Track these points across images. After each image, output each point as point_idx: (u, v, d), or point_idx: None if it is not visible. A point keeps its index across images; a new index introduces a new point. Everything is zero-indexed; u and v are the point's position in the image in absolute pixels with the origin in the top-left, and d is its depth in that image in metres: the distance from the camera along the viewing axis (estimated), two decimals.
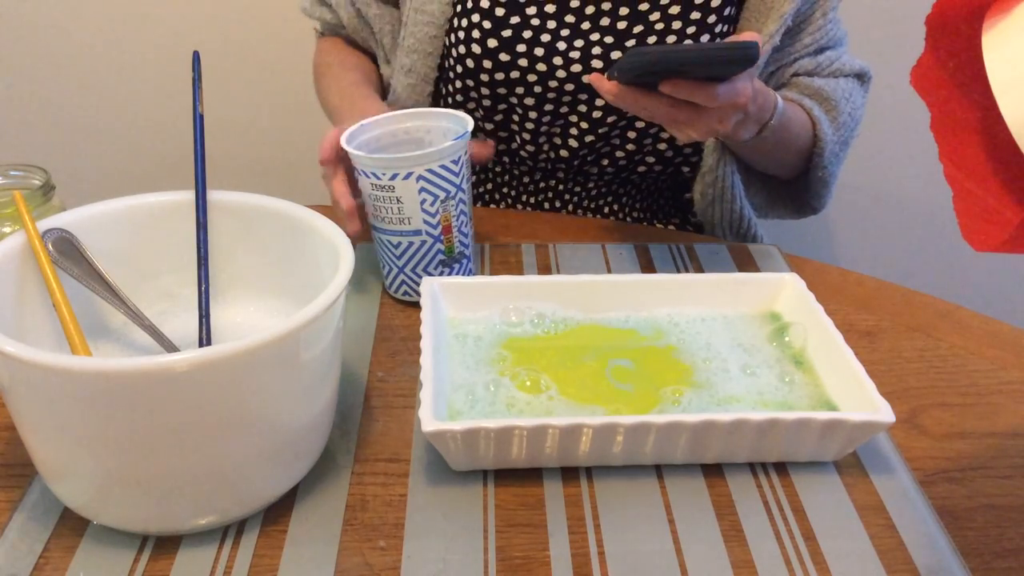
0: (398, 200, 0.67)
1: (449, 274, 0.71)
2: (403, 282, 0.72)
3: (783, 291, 0.68)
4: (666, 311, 0.67)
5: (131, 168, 1.51)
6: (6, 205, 0.65)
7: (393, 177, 0.67)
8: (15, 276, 0.53)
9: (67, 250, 0.55)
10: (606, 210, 0.95)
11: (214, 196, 0.59)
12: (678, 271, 0.79)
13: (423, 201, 0.68)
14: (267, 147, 1.50)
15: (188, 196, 0.58)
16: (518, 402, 0.58)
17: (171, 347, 0.56)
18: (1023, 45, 0.38)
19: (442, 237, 0.70)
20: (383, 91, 0.99)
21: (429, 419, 0.51)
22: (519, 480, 0.55)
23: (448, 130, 0.74)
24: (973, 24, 0.40)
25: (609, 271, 0.79)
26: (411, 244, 0.69)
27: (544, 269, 0.79)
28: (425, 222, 0.69)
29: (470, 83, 0.88)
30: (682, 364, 0.63)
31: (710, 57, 0.64)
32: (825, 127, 0.86)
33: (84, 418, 0.45)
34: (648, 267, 0.79)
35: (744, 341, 0.65)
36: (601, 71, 0.84)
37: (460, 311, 0.66)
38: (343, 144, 0.69)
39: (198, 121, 0.58)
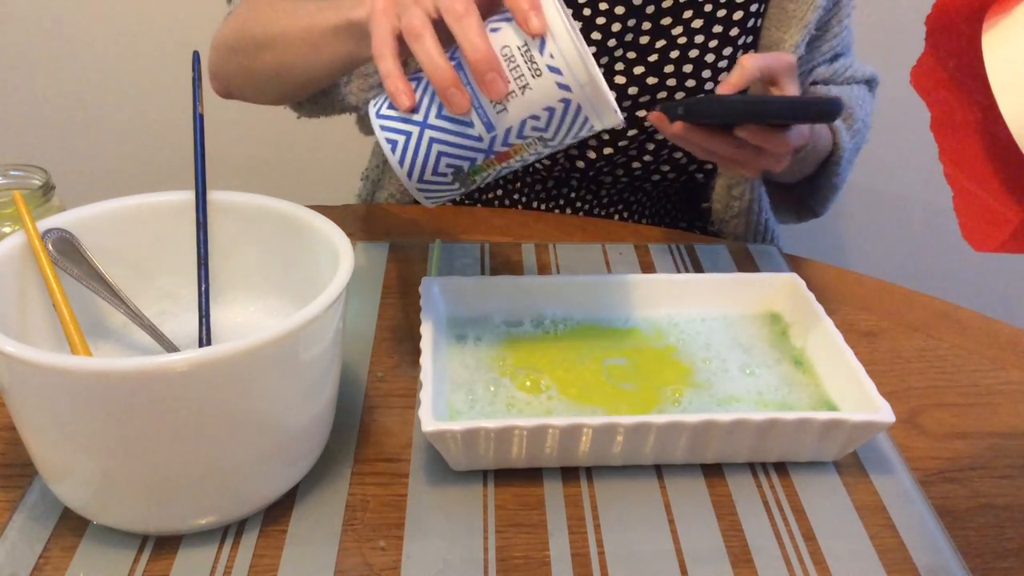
0: (536, 73, 0.52)
1: (439, 193, 0.56)
2: (414, 151, 0.55)
3: (783, 291, 0.68)
4: (666, 311, 0.67)
5: (131, 168, 1.51)
6: (6, 205, 0.65)
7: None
8: (15, 276, 0.53)
9: (67, 250, 0.55)
10: (616, 217, 0.95)
11: (214, 196, 0.59)
12: (678, 271, 0.79)
13: (549, 109, 0.53)
14: (267, 147, 1.50)
15: (188, 196, 0.58)
16: (518, 402, 0.58)
17: (171, 347, 0.56)
18: (1023, 45, 0.38)
19: (492, 155, 0.55)
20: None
21: (429, 419, 0.51)
22: (519, 480, 0.55)
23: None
24: (973, 24, 0.40)
25: (609, 271, 0.79)
26: (464, 129, 0.53)
27: (544, 269, 0.79)
28: (507, 128, 0.53)
29: None
30: (682, 364, 0.63)
31: (795, 112, 0.63)
32: (844, 136, 0.87)
33: (84, 418, 0.45)
34: (648, 267, 0.79)
35: (744, 341, 0.65)
36: (624, 86, 0.84)
37: (460, 311, 0.66)
38: None
39: (198, 121, 0.58)
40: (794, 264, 0.81)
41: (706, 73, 0.84)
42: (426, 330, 0.59)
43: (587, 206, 0.94)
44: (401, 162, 0.54)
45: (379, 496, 0.54)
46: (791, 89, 0.68)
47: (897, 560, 0.51)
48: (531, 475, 0.55)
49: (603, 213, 0.95)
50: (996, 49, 0.39)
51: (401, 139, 0.54)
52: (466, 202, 0.97)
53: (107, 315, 0.58)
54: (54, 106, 1.46)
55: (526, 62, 0.52)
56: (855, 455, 0.58)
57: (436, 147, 0.54)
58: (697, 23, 0.83)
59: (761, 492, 0.55)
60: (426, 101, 0.54)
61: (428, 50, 0.52)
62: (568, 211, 0.94)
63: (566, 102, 0.53)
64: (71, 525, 0.51)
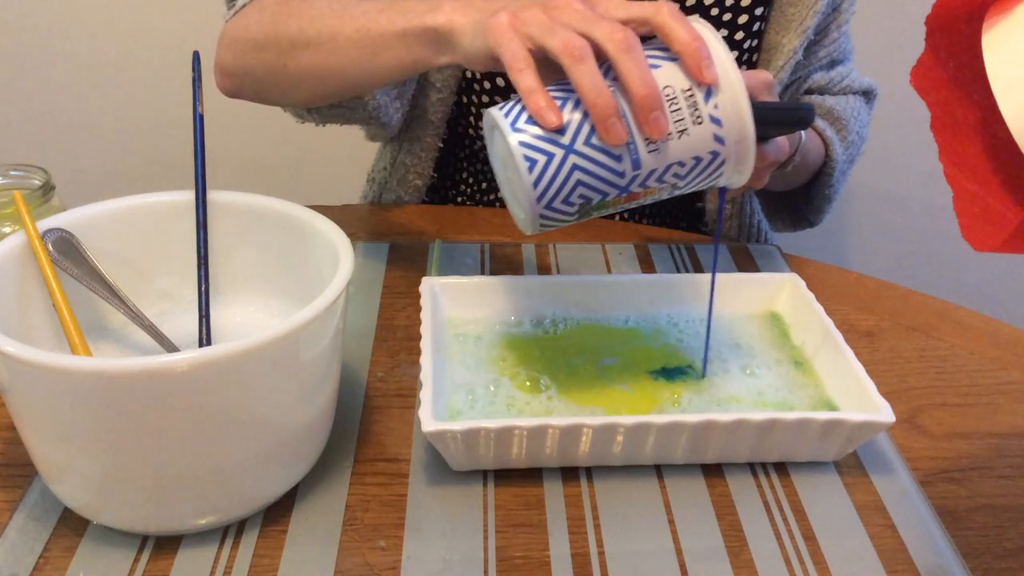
0: (697, 120, 0.51)
1: (553, 222, 0.54)
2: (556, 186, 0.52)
3: (783, 291, 0.68)
4: (666, 311, 0.67)
5: (131, 168, 1.51)
6: (6, 205, 0.65)
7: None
8: (15, 276, 0.53)
9: (67, 250, 0.55)
10: (616, 217, 0.95)
11: (214, 196, 0.59)
12: (678, 271, 0.79)
13: (698, 160, 0.52)
14: (267, 147, 1.50)
15: (188, 196, 0.58)
16: (518, 402, 0.58)
17: (171, 347, 0.56)
18: (1023, 45, 0.38)
19: (625, 193, 0.53)
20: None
21: (429, 419, 0.51)
22: (519, 480, 0.55)
23: None
24: (973, 24, 0.40)
25: (609, 271, 0.79)
26: (611, 162, 0.51)
27: (544, 269, 0.79)
28: (651, 170, 0.52)
29: (498, 99, 0.87)
30: (682, 364, 0.63)
31: (767, 118, 0.61)
32: (836, 147, 0.87)
33: (84, 418, 0.45)
34: (648, 267, 0.79)
35: (744, 341, 0.65)
36: None
37: (460, 311, 0.66)
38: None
39: (198, 121, 0.58)
40: (794, 264, 0.81)
41: None
42: (426, 330, 0.59)
43: None
44: (536, 183, 0.51)
45: (379, 496, 0.54)
46: None
47: (897, 560, 0.51)
48: (531, 475, 0.55)
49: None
50: (996, 49, 0.39)
51: (542, 159, 0.51)
52: (466, 202, 0.97)
53: (107, 315, 0.58)
54: (54, 106, 1.46)
55: (689, 107, 0.51)
56: (855, 455, 0.58)
57: (577, 175, 0.51)
58: None
59: (761, 492, 0.55)
60: (574, 124, 0.51)
61: (592, 75, 0.50)
62: None
63: (715, 154, 0.52)
64: (71, 525, 0.51)
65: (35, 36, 1.41)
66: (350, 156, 1.40)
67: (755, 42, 0.86)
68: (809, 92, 0.91)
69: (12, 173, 0.68)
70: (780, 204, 0.96)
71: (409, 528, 0.52)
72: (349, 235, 0.55)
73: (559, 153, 0.51)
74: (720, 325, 0.67)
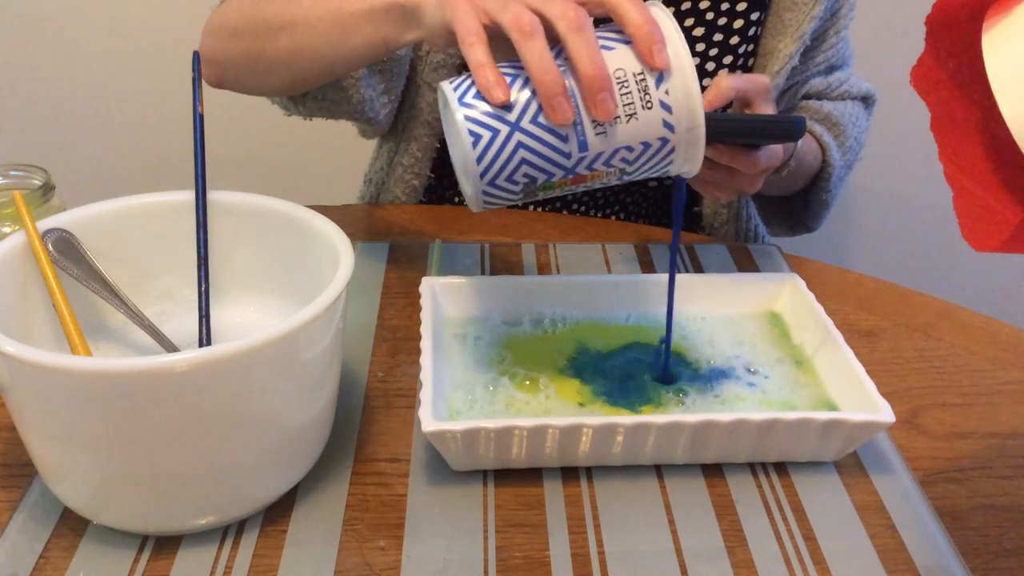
0: (647, 104, 0.50)
1: (498, 200, 0.53)
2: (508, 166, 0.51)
3: (783, 291, 0.68)
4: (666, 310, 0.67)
5: (131, 168, 1.51)
6: (6, 205, 0.65)
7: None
8: (15, 276, 0.53)
9: (67, 250, 0.55)
10: (613, 218, 0.95)
11: (214, 196, 0.59)
12: (678, 271, 0.79)
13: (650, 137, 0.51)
14: (267, 147, 1.50)
15: (188, 196, 0.58)
16: (518, 402, 0.58)
17: (171, 347, 0.56)
18: (1023, 45, 0.38)
19: (571, 175, 0.52)
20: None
21: (429, 419, 0.51)
22: (519, 480, 0.55)
23: None
24: (973, 24, 0.41)
25: (609, 271, 0.79)
26: (557, 142, 0.51)
27: (544, 269, 0.79)
28: (598, 152, 0.51)
29: None
30: (684, 363, 0.63)
31: (757, 130, 0.63)
32: (834, 152, 0.86)
33: (84, 418, 0.45)
34: (648, 267, 0.79)
35: (744, 341, 0.65)
36: None
37: (460, 311, 0.66)
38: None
39: (198, 121, 0.58)
40: (794, 264, 0.81)
41: (706, 81, 0.84)
42: (426, 330, 0.59)
43: (583, 208, 0.94)
44: (480, 159, 0.50)
45: (379, 496, 0.54)
46: (765, 112, 0.68)
47: (897, 560, 0.51)
48: (531, 475, 0.55)
49: (600, 215, 0.95)
50: (996, 49, 0.39)
51: (487, 135, 0.50)
52: (465, 202, 0.97)
53: (107, 315, 0.58)
54: (54, 106, 1.46)
55: (639, 91, 0.50)
56: (855, 455, 0.58)
57: (522, 153, 0.50)
58: (698, 31, 0.83)
59: (761, 492, 0.55)
60: (521, 101, 0.50)
61: (540, 51, 0.50)
62: (564, 212, 0.94)
63: (664, 141, 0.51)
64: (71, 525, 0.51)
65: (35, 36, 1.41)
66: (350, 157, 1.40)
67: (751, 47, 0.85)
68: (807, 97, 0.91)
69: (12, 173, 0.68)
70: (778, 209, 0.96)
71: (409, 528, 0.52)
72: (349, 235, 0.55)
73: (504, 130, 0.50)
74: (720, 325, 0.67)
